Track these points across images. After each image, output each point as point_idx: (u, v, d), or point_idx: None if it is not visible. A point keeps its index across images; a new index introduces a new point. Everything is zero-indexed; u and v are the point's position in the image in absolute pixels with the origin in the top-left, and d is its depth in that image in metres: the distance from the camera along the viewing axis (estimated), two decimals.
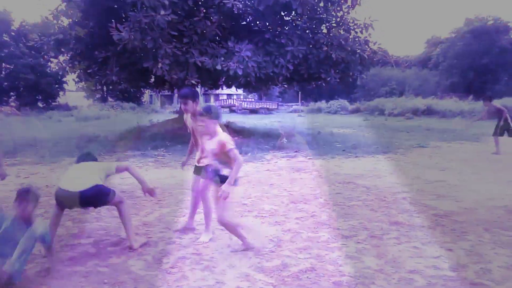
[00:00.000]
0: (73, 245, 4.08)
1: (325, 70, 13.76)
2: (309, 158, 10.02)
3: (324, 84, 16.33)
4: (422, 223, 4.71)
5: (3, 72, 37.94)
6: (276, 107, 42.73)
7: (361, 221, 4.82)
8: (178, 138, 13.00)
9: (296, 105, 47.07)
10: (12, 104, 38.34)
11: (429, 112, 28.91)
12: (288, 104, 49.77)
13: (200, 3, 12.02)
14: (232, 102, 43.18)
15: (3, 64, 37.53)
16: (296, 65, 12.93)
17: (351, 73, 14.82)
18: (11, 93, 39.65)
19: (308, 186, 6.79)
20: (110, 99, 43.94)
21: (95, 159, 4.33)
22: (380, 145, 12.19)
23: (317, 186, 6.82)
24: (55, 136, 14.55)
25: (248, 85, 16.00)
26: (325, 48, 12.95)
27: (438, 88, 42.95)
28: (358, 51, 13.61)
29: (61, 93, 41.91)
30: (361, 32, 14.10)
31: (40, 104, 39.83)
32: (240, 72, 11.66)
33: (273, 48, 12.61)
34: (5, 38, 37.76)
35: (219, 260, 3.68)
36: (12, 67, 36.97)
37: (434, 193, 6.23)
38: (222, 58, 11.68)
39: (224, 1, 11.22)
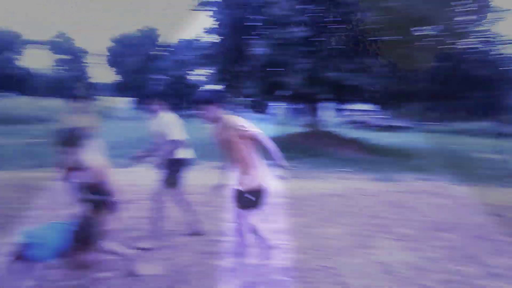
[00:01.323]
0: (213, 241, 4.44)
1: (467, 88, 12.51)
2: (450, 183, 9.18)
3: (466, 103, 14.84)
4: None
5: (162, 83, 43.52)
6: (413, 125, 40.09)
7: None
8: (309, 150, 13.19)
9: (435, 124, 43.43)
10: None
11: None
12: (425, 123, 46.29)
13: (335, 20, 12.10)
14: (365, 118, 41.89)
15: (163, 75, 43.08)
16: (435, 83, 12.06)
17: (496, 92, 13.18)
18: (167, 101, 45.22)
19: (450, 214, 6.24)
20: (243, 110, 46.81)
21: None
22: None
23: (461, 214, 6.22)
24: (198, 141, 16.04)
25: (382, 101, 15.46)
26: (467, 65, 11.80)
27: None
28: (505, 68, 12.08)
29: None
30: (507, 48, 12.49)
31: (189, 112, 44.65)
32: (374, 88, 11.38)
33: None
34: (159, 53, 43.30)
35: (352, 278, 3.63)
36: (169, 78, 42.25)
37: None
38: (360, 73, 11.54)
39: (360, 17, 11.12)
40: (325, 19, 11.78)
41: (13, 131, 16.85)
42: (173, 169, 4.36)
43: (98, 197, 3.25)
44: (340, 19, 11.94)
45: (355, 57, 12.41)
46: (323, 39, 11.82)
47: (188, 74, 42.20)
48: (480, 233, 5.19)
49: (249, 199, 3.35)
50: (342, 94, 13.83)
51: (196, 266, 3.83)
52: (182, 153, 4.40)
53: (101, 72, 47.22)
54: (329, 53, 11.82)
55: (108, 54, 43.45)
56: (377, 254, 4.29)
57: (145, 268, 3.66)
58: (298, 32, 11.05)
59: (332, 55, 11.87)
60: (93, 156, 3.38)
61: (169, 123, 4.31)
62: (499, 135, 31.56)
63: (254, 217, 3.46)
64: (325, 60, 11.88)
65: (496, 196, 7.85)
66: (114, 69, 43.08)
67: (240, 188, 3.40)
